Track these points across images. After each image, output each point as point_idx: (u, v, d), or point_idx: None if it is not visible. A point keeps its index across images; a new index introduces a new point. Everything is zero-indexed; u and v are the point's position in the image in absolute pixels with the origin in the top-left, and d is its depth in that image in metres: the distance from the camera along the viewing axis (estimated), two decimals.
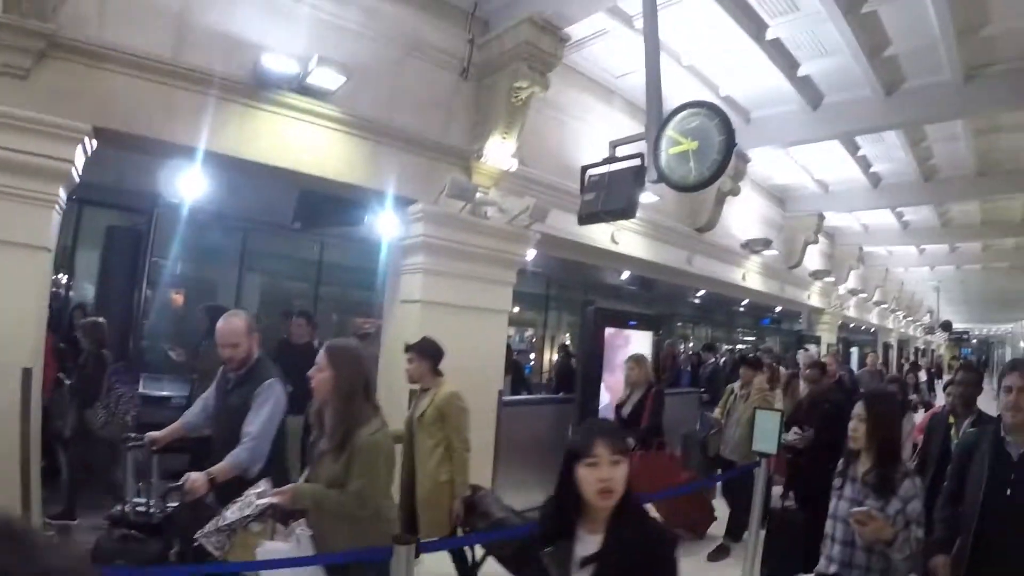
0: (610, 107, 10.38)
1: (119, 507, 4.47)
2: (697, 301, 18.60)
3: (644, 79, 6.05)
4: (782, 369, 13.08)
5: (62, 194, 5.69)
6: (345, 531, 3.89)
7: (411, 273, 7.86)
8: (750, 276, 15.39)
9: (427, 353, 6.08)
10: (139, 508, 4.45)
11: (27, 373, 5.50)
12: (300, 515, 3.92)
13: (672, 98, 6.27)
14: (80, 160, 5.72)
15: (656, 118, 5.73)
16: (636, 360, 8.62)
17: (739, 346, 23.06)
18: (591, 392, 9.93)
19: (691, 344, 19.98)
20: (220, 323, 4.87)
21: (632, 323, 11.07)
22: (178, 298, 9.42)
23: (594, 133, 9.77)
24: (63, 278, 9.11)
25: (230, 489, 4.09)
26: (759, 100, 10.80)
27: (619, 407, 8.60)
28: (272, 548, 3.77)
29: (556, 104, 9.24)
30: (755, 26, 8.50)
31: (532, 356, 16.13)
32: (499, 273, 8.33)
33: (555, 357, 15.19)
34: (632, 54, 8.39)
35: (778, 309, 20.87)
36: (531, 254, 8.77)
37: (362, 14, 7.20)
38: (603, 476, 2.60)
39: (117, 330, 8.22)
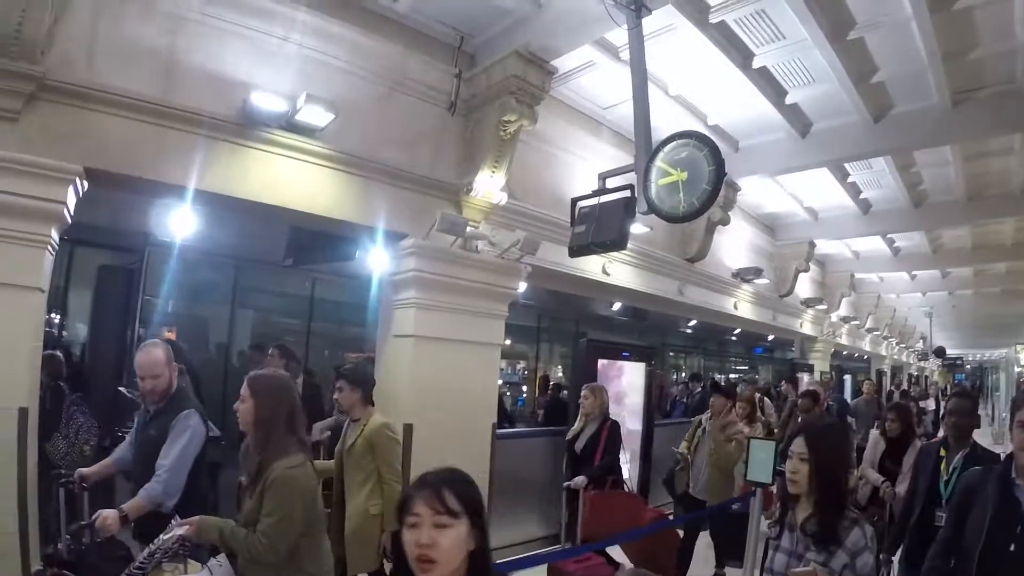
0: (598, 139, 10.46)
1: (52, 546, 4.47)
2: (689, 331, 18.59)
3: (632, 110, 6.14)
4: (766, 400, 13.11)
5: (54, 235, 5.72)
6: (263, 574, 3.69)
7: (403, 308, 7.88)
8: (742, 305, 15.46)
9: (358, 381, 5.94)
10: (72, 547, 4.38)
11: (23, 413, 5.50)
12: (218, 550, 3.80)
13: (660, 128, 6.38)
14: (72, 201, 5.76)
15: (645, 149, 5.82)
16: (591, 389, 8.34)
17: (732, 375, 22.98)
18: None
19: (684, 374, 19.94)
20: (140, 355, 4.85)
21: (625, 354, 11.10)
22: (171, 336, 9.43)
23: (583, 165, 9.86)
24: (56, 318, 9.12)
25: (149, 524, 4.05)
26: (747, 129, 10.90)
27: (572, 441, 8.29)
28: None
29: (545, 137, 9.31)
30: (741, 55, 8.59)
31: (524, 388, 16.05)
32: (491, 306, 8.33)
33: (544, 391, 15.05)
34: (619, 85, 8.49)
35: (771, 338, 20.89)
36: (522, 287, 8.80)
37: (348, 51, 7.28)
38: (420, 540, 2.17)
39: (110, 369, 8.24)
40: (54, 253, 5.93)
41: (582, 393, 8.40)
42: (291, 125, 6.64)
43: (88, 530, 4.17)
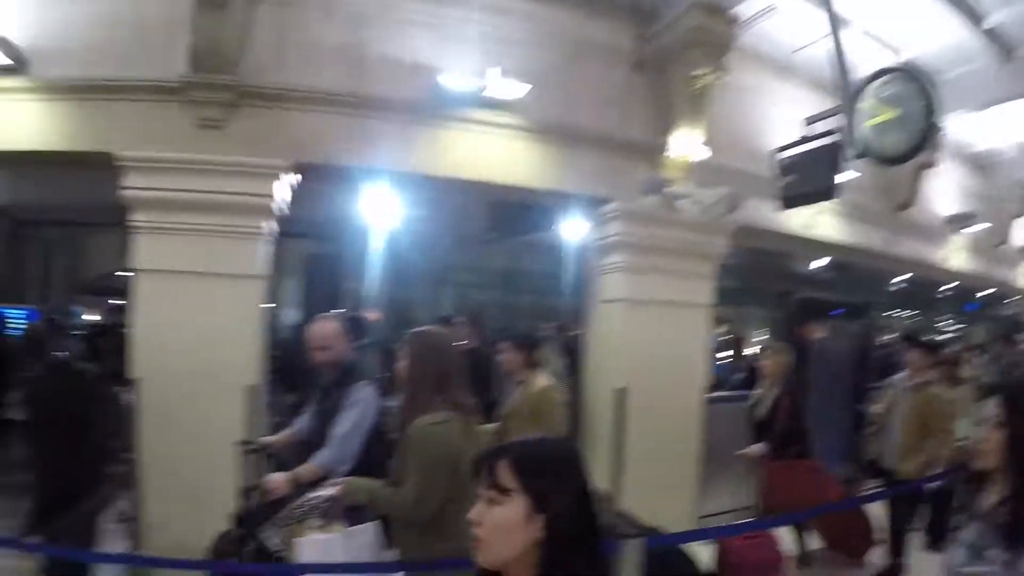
0: (791, 84, 10.19)
1: (240, 509, 4.81)
2: (897, 286, 18.06)
3: (820, 52, 6.21)
4: (974, 359, 12.52)
5: (268, 226, 6.50)
6: (410, 540, 3.75)
7: (610, 273, 8.06)
8: (953, 255, 14.75)
9: (522, 345, 6.06)
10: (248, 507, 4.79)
11: (251, 390, 6.32)
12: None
13: (855, 66, 6.31)
14: (282, 194, 6.49)
15: (847, 90, 5.78)
16: (772, 350, 7.93)
17: (942, 335, 21.97)
18: None
19: (891, 334, 19.30)
20: (312, 327, 5.16)
21: (835, 312, 10.92)
22: (374, 316, 9.96)
23: (778, 113, 9.62)
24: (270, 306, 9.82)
25: None
26: (945, 60, 10.32)
27: (752, 407, 7.78)
28: (316, 539, 3.85)
29: (736, 88, 9.10)
30: None
31: (722, 354, 15.87)
32: (698, 267, 8.40)
33: (739, 355, 14.78)
34: (805, 27, 8.39)
35: (986, 292, 20.05)
36: (727, 245, 8.77)
37: (526, 23, 7.54)
38: (471, 515, 1.91)
39: None
40: (270, 242, 6.68)
41: (763, 355, 8.14)
42: (483, 101, 6.96)
43: (258, 492, 4.58)
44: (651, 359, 7.90)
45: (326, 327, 5.10)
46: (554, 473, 1.89)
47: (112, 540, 6.47)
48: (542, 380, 6.00)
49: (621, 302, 7.93)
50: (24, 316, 11.13)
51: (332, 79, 6.72)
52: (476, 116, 7.07)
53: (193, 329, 6.42)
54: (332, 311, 5.37)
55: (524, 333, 6.31)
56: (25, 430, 6.09)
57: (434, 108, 6.93)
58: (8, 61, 6.62)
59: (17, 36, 6.67)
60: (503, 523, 1.82)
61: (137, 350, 6.58)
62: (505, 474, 1.84)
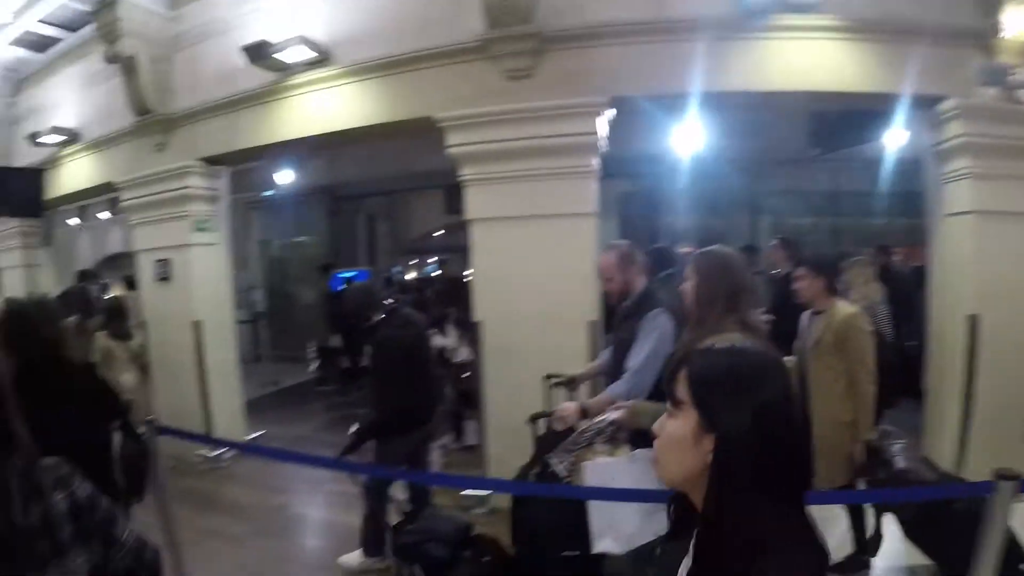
0: None
1: (538, 437, 5.27)
2: None
3: None
4: None
5: (595, 164, 6.88)
6: None
7: (954, 181, 7.37)
8: None
9: (820, 269, 5.72)
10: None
11: (592, 326, 6.92)
12: None
13: None
14: (603, 129, 6.82)
15: None
16: None
17: None
18: None
19: None
20: (598, 259, 5.41)
21: None
22: (687, 250, 10.16)
23: None
24: None
25: None
26: None
27: None
28: (600, 463, 3.98)
29: None
30: None
31: None
32: None
33: None
34: None
35: None
36: None
37: None
38: (653, 426, 1.84)
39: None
40: (597, 179, 7.08)
41: None
42: (791, 5, 6.76)
43: (550, 420, 4.85)
44: (1007, 280, 7.20)
45: (607, 258, 5.28)
46: (729, 387, 1.68)
47: (436, 466, 7.42)
48: (846, 308, 5.70)
49: (970, 215, 7.24)
50: (355, 277, 12.72)
51: (630, 9, 6.82)
52: (785, 22, 6.84)
53: (531, 271, 7.03)
54: (621, 242, 5.44)
55: (822, 257, 6.04)
56: (370, 372, 6.85)
57: (740, 21, 6.78)
58: (314, 54, 7.58)
59: (319, 32, 7.59)
60: (673, 437, 1.74)
61: (478, 295, 7.34)
62: (682, 385, 1.74)
